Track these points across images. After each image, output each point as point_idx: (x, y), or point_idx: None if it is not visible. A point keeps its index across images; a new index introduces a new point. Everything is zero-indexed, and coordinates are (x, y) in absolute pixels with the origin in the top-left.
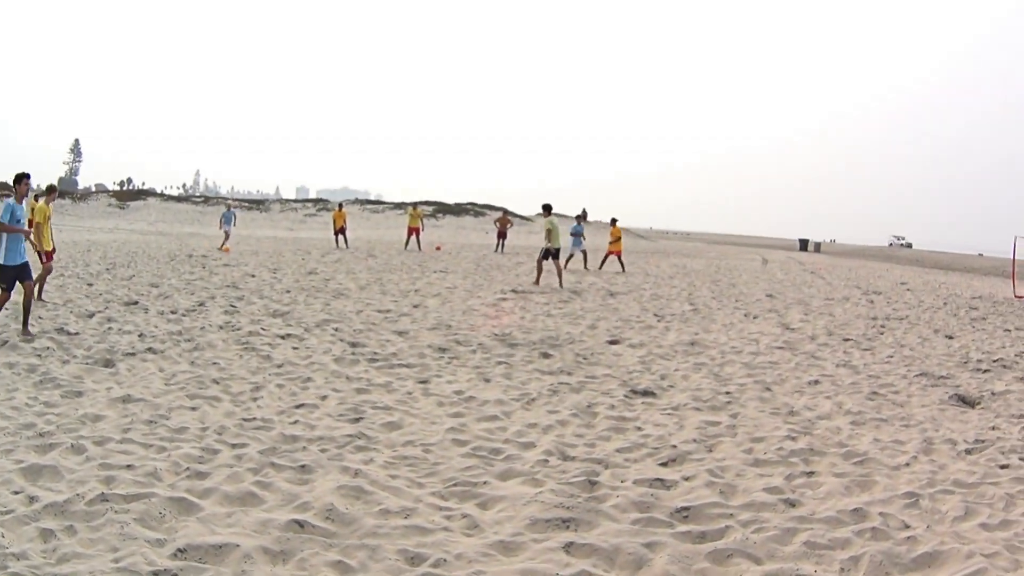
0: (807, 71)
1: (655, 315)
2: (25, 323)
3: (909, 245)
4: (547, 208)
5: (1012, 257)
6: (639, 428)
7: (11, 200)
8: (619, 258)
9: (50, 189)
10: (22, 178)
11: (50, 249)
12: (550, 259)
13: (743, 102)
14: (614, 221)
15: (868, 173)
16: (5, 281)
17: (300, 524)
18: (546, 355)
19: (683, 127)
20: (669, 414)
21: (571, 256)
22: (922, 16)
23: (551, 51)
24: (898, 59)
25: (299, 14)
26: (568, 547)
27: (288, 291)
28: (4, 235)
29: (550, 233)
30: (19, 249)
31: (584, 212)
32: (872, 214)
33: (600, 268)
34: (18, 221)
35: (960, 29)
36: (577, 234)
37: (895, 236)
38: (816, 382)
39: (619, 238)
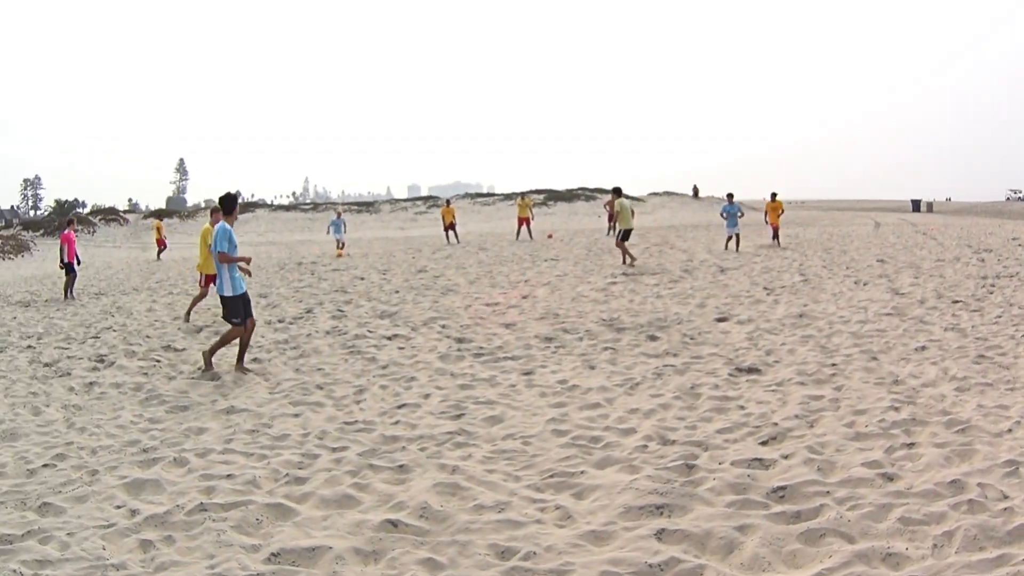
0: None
1: (765, 288)
2: (241, 357)
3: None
4: (617, 191)
5: None
6: (742, 407)
7: (226, 224)
8: (776, 232)
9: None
10: (234, 200)
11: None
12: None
13: (847, 75)
14: (774, 195)
15: (984, 128)
16: (238, 313)
17: (393, 524)
18: (653, 338)
19: (798, 104)
20: (773, 390)
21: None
22: None
23: (647, 43)
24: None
25: (398, 14)
26: (660, 534)
27: (397, 291)
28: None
29: (618, 215)
30: (239, 276)
31: (695, 188)
32: (989, 169)
33: (776, 242)
34: (236, 247)
35: None
36: (732, 214)
37: (1012, 190)
38: (923, 348)
39: (780, 212)
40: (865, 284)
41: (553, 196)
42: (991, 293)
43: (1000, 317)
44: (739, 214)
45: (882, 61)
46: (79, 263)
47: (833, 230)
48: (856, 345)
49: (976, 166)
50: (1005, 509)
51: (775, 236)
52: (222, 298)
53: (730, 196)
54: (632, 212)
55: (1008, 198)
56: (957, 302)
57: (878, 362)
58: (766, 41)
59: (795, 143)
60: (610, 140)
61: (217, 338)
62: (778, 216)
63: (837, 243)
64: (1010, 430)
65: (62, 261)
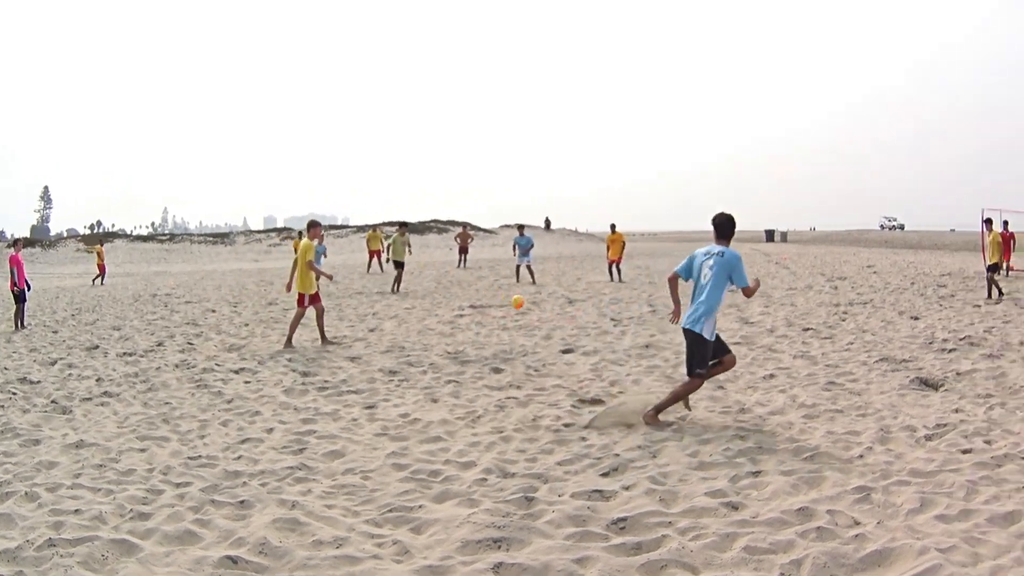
0: (790, 76)
1: (612, 320)
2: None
3: (901, 227)
4: (402, 225)
5: (980, 231)
6: (583, 439)
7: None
8: (613, 267)
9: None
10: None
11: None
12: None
13: (708, 108)
14: (613, 227)
15: (855, 158)
16: None
17: (233, 560)
18: (497, 370)
19: (649, 140)
20: (616, 422)
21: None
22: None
23: (509, 73)
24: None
25: (263, 42)
26: (497, 568)
27: (247, 324)
28: None
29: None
30: None
31: (547, 220)
32: (864, 199)
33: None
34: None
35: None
36: (523, 246)
37: (886, 218)
38: (771, 376)
39: (621, 244)
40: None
41: (406, 228)
42: (843, 320)
43: (852, 344)
44: (530, 246)
45: (752, 94)
46: (29, 289)
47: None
48: None
49: (849, 195)
50: (856, 536)
51: (611, 270)
52: None
53: (521, 228)
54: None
55: (882, 226)
56: (808, 330)
57: (724, 391)
58: (626, 76)
59: (650, 176)
60: (465, 172)
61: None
62: (620, 249)
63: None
64: (861, 456)
65: (14, 285)
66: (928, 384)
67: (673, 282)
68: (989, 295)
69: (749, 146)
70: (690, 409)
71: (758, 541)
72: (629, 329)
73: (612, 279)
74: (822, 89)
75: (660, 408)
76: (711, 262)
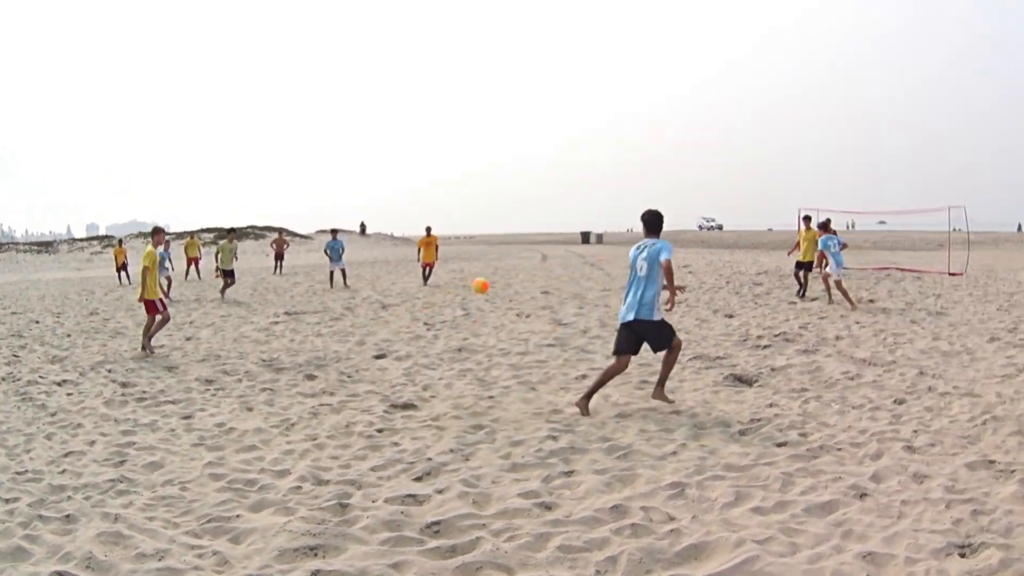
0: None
1: (425, 324)
2: None
3: (720, 227)
4: (231, 231)
5: (798, 228)
6: (396, 444)
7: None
8: (426, 270)
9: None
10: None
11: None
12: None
13: (522, 109)
14: (428, 230)
15: (674, 160)
16: None
17: (61, 575)
18: (311, 377)
19: (457, 140)
20: (428, 426)
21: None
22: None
23: (322, 74)
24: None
25: (81, 49)
26: (315, 575)
27: (68, 335)
28: None
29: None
30: None
31: (362, 225)
32: (683, 200)
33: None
34: None
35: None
36: (335, 250)
37: (704, 218)
38: (584, 376)
39: (435, 247)
40: (528, 316)
41: (224, 234)
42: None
43: None
44: (342, 250)
45: (563, 92)
46: None
47: (499, 263)
48: (515, 377)
49: (667, 195)
50: (671, 531)
51: (425, 273)
52: None
53: (334, 232)
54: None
55: (700, 226)
56: None
57: (536, 392)
58: (439, 77)
59: (462, 177)
60: (283, 177)
61: None
62: (434, 252)
63: (502, 276)
64: (674, 452)
65: None
66: (742, 380)
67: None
68: (800, 293)
69: (563, 145)
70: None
71: (572, 540)
72: (442, 333)
73: (425, 283)
74: (630, 87)
75: (663, 382)
76: (644, 255)
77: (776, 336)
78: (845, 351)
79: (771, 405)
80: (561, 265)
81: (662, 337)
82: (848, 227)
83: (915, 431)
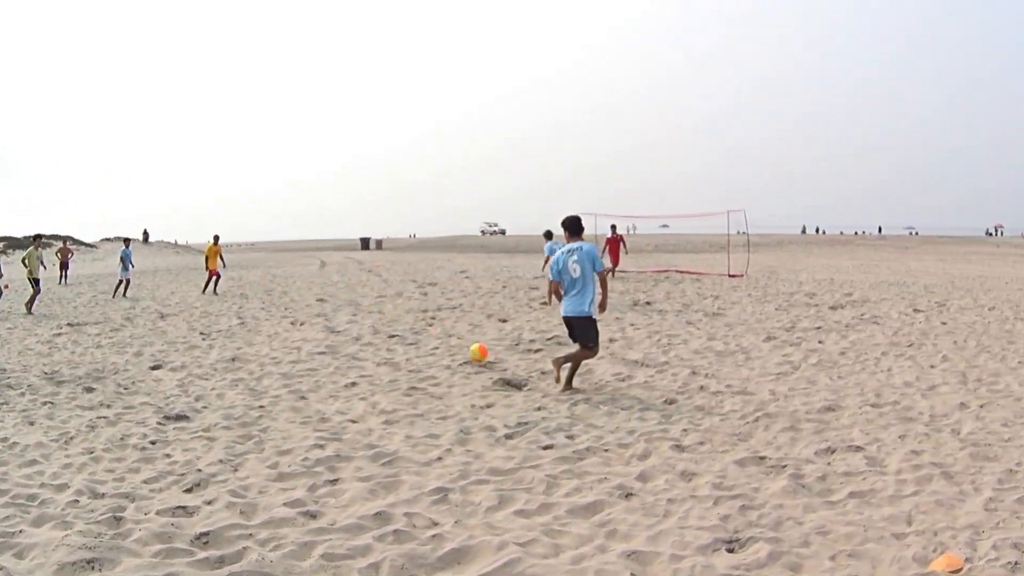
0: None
1: (201, 334)
2: None
3: (503, 231)
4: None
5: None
6: (168, 456)
7: None
8: (214, 278)
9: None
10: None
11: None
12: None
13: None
14: (216, 238)
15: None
16: None
17: None
18: (89, 389)
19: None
20: (199, 437)
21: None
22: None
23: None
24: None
25: None
26: None
27: None
28: None
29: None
30: None
31: (145, 233)
32: (470, 207)
33: (209, 291)
34: None
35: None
36: (125, 259)
37: (487, 223)
38: (354, 384)
39: (217, 255)
40: (302, 324)
41: (13, 244)
42: (430, 326)
43: (437, 349)
44: (131, 262)
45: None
46: None
47: (277, 271)
48: (285, 386)
49: (455, 203)
50: (434, 536)
51: (210, 283)
52: None
53: (127, 240)
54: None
55: (483, 231)
56: (394, 336)
57: (306, 401)
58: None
59: (245, 189)
60: (69, 184)
61: None
62: (216, 261)
63: (279, 284)
64: (439, 458)
65: None
66: (512, 384)
67: (557, 289)
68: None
69: (350, 162)
70: (560, 381)
71: (335, 548)
72: (217, 343)
73: (205, 292)
74: (422, 106)
75: (570, 378)
76: (575, 257)
77: (549, 340)
78: (618, 353)
79: (539, 408)
80: (339, 271)
81: (589, 334)
82: (629, 231)
83: (685, 430)
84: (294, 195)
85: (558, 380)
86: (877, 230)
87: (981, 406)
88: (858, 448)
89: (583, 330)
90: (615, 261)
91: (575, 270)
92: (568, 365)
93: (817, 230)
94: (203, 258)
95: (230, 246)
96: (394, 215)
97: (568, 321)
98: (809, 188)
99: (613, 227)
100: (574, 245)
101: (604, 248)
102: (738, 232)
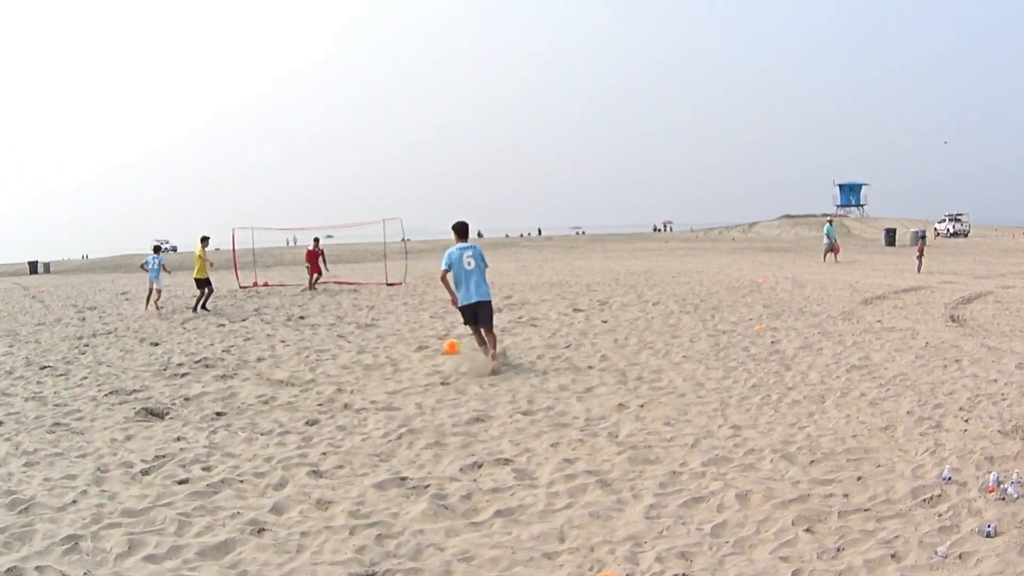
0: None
1: None
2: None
3: (174, 248)
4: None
5: (232, 248)
6: None
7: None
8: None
9: None
10: None
11: None
12: None
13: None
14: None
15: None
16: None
17: None
18: None
19: None
20: None
21: None
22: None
23: None
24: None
25: None
26: None
27: None
28: None
29: None
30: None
31: None
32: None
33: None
34: None
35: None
36: None
37: (159, 240)
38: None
39: None
40: None
41: None
42: (83, 353)
43: (87, 378)
44: None
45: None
46: None
47: None
48: None
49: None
50: None
51: None
52: None
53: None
54: None
55: (289, 243)
56: (46, 367)
57: None
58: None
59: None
60: None
61: None
62: None
63: None
64: (74, 501)
65: None
66: (154, 414)
67: (445, 278)
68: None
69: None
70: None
71: None
72: None
73: None
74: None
75: (496, 350)
76: (469, 253)
77: (197, 362)
78: (264, 373)
79: (179, 439)
80: (2, 299)
81: (491, 315)
82: (289, 243)
83: (324, 453)
84: None
85: (494, 359)
86: (537, 232)
87: (641, 405)
88: (507, 461)
89: (488, 312)
90: (318, 271)
91: (469, 263)
92: (486, 350)
93: (479, 234)
94: None
95: None
96: (67, 236)
97: (477, 306)
98: (473, 190)
99: (316, 240)
100: (466, 245)
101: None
102: (403, 240)
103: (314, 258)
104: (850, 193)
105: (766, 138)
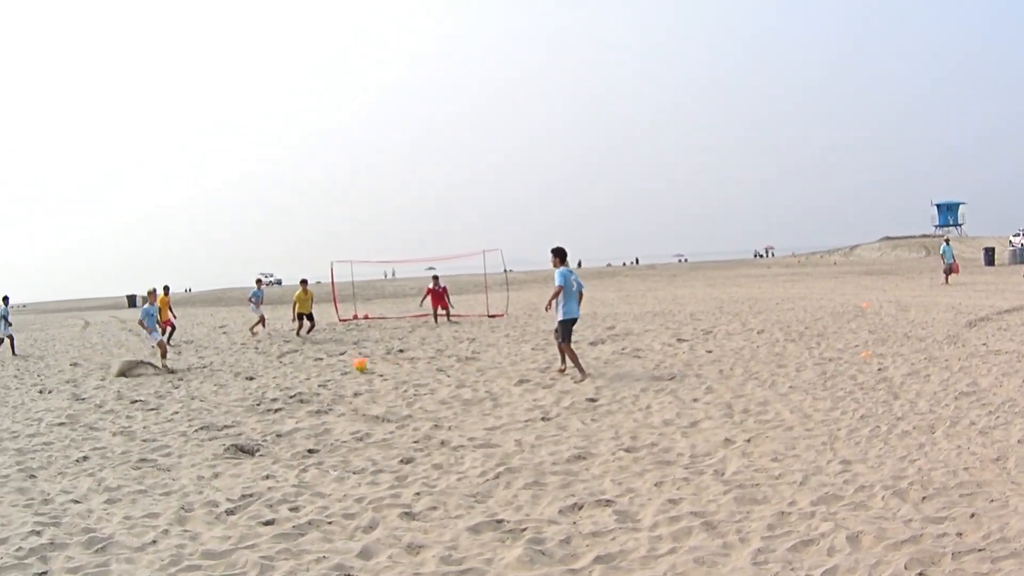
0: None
1: None
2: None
3: (279, 282)
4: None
5: (331, 282)
6: None
7: None
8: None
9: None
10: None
11: None
12: None
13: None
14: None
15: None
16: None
17: None
18: None
19: None
20: None
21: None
22: None
23: None
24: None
25: None
26: None
27: None
28: None
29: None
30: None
31: None
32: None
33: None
34: None
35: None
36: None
37: (263, 274)
38: (85, 458)
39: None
40: (49, 392)
41: None
42: (176, 388)
43: (177, 413)
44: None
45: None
46: None
47: (40, 334)
48: (18, 463)
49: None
50: None
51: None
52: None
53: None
54: None
55: (259, 282)
56: (136, 402)
57: (35, 480)
58: None
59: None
60: None
61: None
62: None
63: (39, 348)
64: (154, 541)
65: None
66: (244, 450)
67: (559, 292)
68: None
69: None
70: (564, 371)
71: None
72: None
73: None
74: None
75: (579, 366)
76: (574, 277)
77: (292, 397)
78: (360, 408)
79: (267, 476)
80: (100, 332)
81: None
82: (387, 276)
83: (418, 493)
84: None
85: (581, 371)
86: (634, 260)
87: (748, 440)
88: (608, 502)
89: (569, 330)
90: (444, 305)
91: (574, 285)
92: (567, 362)
93: (579, 264)
94: None
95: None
96: (173, 269)
97: (573, 321)
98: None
99: (435, 278)
100: (568, 269)
101: (424, 297)
102: (505, 271)
103: (439, 299)
104: (948, 213)
105: (862, 155)
